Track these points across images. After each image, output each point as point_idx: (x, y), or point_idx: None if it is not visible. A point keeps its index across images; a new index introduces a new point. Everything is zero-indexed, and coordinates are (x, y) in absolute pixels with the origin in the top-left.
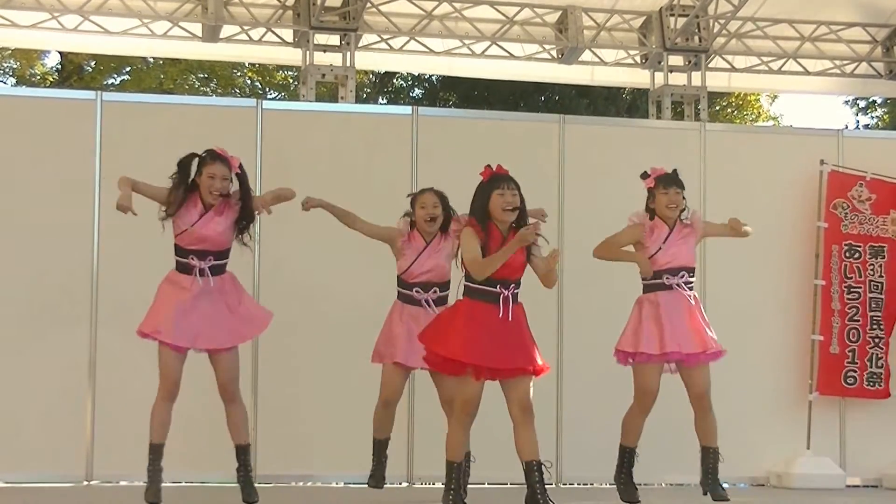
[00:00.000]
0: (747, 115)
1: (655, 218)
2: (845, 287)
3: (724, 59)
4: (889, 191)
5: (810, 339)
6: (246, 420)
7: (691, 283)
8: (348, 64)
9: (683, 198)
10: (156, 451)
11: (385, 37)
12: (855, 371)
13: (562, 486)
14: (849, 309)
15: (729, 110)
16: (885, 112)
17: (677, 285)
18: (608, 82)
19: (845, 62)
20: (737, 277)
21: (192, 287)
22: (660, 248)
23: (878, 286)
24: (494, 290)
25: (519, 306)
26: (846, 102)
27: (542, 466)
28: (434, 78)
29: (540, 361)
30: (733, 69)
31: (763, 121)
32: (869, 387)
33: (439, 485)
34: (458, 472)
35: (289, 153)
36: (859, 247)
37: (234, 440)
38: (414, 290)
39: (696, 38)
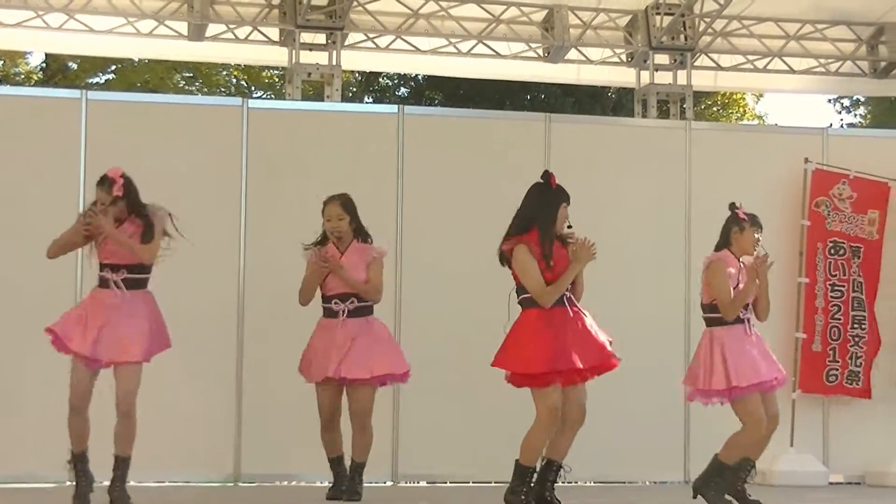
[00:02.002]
0: (733, 113)
1: (726, 252)
2: (829, 285)
3: (709, 57)
4: (870, 189)
5: (794, 337)
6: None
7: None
8: (334, 63)
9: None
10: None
11: (371, 35)
12: (836, 369)
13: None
14: (832, 307)
15: (714, 109)
16: (869, 111)
17: (747, 320)
18: (594, 81)
19: (830, 61)
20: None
21: (109, 300)
22: (738, 284)
23: (859, 285)
24: None
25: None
26: (830, 101)
27: (562, 469)
28: (420, 77)
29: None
30: (719, 68)
31: (748, 119)
32: (848, 384)
33: (424, 483)
34: (531, 477)
35: (274, 152)
36: (843, 244)
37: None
38: (332, 302)
39: (682, 36)
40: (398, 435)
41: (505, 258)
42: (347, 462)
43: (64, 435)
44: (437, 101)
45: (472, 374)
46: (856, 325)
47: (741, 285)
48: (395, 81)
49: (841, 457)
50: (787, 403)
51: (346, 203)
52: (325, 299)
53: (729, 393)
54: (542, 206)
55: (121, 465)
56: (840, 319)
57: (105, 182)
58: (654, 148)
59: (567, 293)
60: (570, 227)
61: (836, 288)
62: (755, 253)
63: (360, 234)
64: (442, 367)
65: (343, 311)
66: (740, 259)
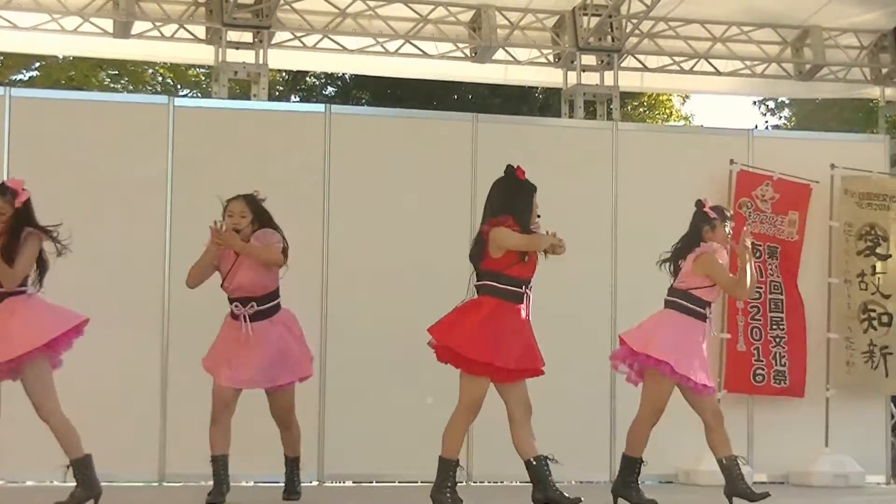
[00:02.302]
0: (659, 114)
1: (710, 244)
2: None
3: (636, 58)
4: (792, 191)
5: (719, 338)
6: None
7: None
8: (261, 61)
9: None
10: None
11: (298, 34)
12: (762, 368)
13: (472, 483)
14: (750, 308)
15: (641, 110)
16: (794, 113)
17: (710, 320)
18: (521, 81)
19: (756, 63)
20: (647, 275)
21: None
22: (714, 283)
23: (777, 286)
24: (520, 290)
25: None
26: (756, 103)
27: (549, 459)
28: (347, 76)
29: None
30: (646, 69)
31: (675, 120)
32: (776, 384)
33: (350, 483)
34: (454, 471)
35: (201, 151)
36: (760, 246)
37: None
38: (234, 305)
39: (609, 37)
40: (324, 435)
41: (480, 242)
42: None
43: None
44: (364, 101)
45: (398, 374)
46: (774, 326)
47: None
48: (322, 81)
49: (765, 457)
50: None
51: (250, 201)
52: (229, 299)
53: (646, 361)
54: (517, 197)
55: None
56: (759, 321)
57: (7, 192)
58: (581, 148)
59: (529, 292)
60: (538, 216)
61: (757, 288)
62: (742, 238)
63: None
64: (368, 366)
65: (244, 317)
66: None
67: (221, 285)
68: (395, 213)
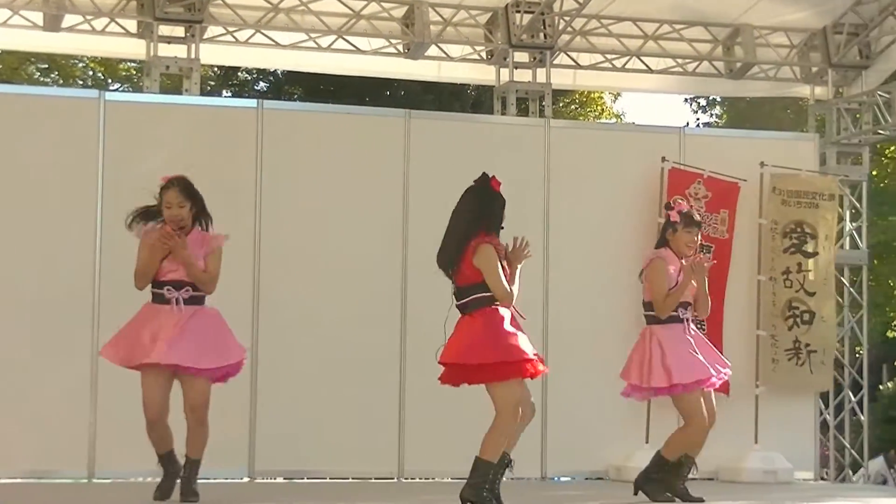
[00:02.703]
0: (591, 112)
1: (667, 250)
2: None
3: (568, 56)
4: (723, 189)
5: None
6: None
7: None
8: (193, 56)
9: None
10: None
11: (231, 29)
12: None
13: (403, 479)
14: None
15: (573, 107)
16: (724, 111)
17: (687, 319)
18: (454, 78)
19: (687, 61)
20: (579, 273)
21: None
22: (676, 283)
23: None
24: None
25: None
26: (687, 101)
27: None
28: (279, 71)
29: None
30: (578, 66)
31: (606, 118)
32: None
33: (281, 479)
34: (494, 473)
35: (133, 146)
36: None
37: None
38: (165, 288)
39: (542, 34)
40: (255, 430)
41: (460, 251)
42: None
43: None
44: (296, 97)
45: (330, 370)
46: (698, 327)
47: (678, 283)
48: (255, 76)
49: None
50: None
51: (185, 188)
52: (157, 284)
53: (670, 390)
54: (491, 209)
55: None
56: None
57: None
58: (514, 145)
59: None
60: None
61: None
62: (694, 253)
63: (202, 219)
64: (299, 362)
65: (176, 300)
66: (682, 258)
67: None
68: (328, 209)
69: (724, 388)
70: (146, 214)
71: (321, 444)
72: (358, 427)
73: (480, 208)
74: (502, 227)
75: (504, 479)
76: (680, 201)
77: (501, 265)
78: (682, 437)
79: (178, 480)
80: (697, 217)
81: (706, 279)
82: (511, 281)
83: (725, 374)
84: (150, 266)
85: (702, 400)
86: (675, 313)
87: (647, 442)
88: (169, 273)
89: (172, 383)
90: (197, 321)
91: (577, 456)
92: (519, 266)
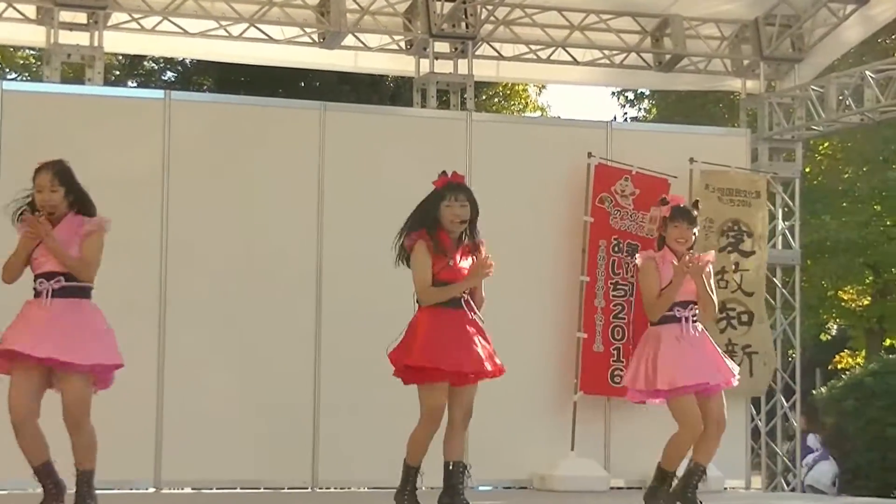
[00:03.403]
0: (515, 105)
1: (664, 248)
2: (611, 283)
3: (491, 46)
4: (652, 186)
5: (576, 337)
6: None
7: (695, 316)
8: (96, 44)
9: (694, 234)
10: None
11: (136, 16)
12: (621, 369)
13: (318, 489)
14: (614, 306)
15: (496, 100)
16: (653, 104)
17: (685, 318)
18: (372, 69)
19: (614, 52)
20: (501, 274)
21: None
22: (670, 283)
23: (631, 288)
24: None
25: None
26: (614, 94)
27: (467, 469)
28: (188, 60)
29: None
30: (501, 57)
31: (531, 111)
32: None
33: (189, 490)
34: (415, 476)
35: (31, 139)
36: (622, 243)
37: None
38: (38, 281)
39: (463, 24)
40: (161, 438)
41: (403, 253)
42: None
43: None
44: (206, 87)
45: (240, 371)
46: (631, 328)
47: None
48: (162, 65)
49: (622, 461)
50: (569, 406)
51: (59, 172)
52: (35, 278)
53: (656, 395)
54: (425, 207)
55: None
56: (624, 319)
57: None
58: (434, 139)
59: (464, 296)
60: (462, 222)
61: (619, 287)
62: (688, 250)
63: (82, 207)
64: (208, 362)
65: (47, 292)
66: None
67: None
68: (238, 206)
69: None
70: (31, 206)
71: (231, 452)
72: (270, 434)
73: (421, 207)
74: (463, 223)
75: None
76: (675, 195)
77: (451, 260)
78: (671, 444)
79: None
80: (693, 211)
81: (707, 279)
82: (450, 287)
83: (727, 377)
84: (17, 256)
85: (694, 403)
86: (670, 313)
87: (572, 449)
88: (42, 265)
89: (45, 384)
90: (70, 314)
91: (499, 464)
92: (473, 282)
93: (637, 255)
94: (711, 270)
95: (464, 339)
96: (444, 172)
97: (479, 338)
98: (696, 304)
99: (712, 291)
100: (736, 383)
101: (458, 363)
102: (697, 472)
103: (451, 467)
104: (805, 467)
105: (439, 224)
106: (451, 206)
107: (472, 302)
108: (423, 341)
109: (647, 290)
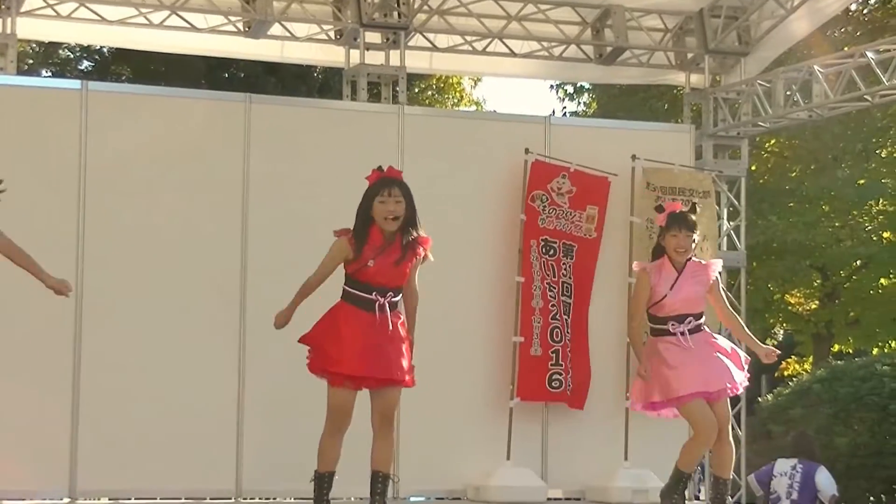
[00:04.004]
0: (449, 98)
1: (664, 257)
2: (547, 284)
3: (425, 37)
4: (590, 184)
5: (512, 341)
6: None
7: (699, 327)
8: (8, 31)
9: (694, 240)
10: None
11: (51, 2)
12: (560, 373)
13: (242, 499)
14: (551, 307)
15: (430, 93)
16: (594, 98)
17: (681, 333)
18: (299, 59)
19: (553, 44)
20: (436, 272)
21: None
22: (665, 296)
23: (568, 288)
24: (369, 296)
25: (397, 315)
26: (553, 87)
27: (390, 480)
28: (106, 49)
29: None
30: (435, 48)
31: (466, 105)
32: (570, 392)
33: (106, 500)
34: (326, 484)
35: None
36: (555, 243)
37: None
38: None
39: (396, 13)
40: (76, 443)
41: None
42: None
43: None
44: (124, 77)
45: (160, 374)
46: (567, 331)
47: (673, 291)
48: (78, 54)
49: (560, 471)
50: (505, 413)
51: None
52: None
53: (660, 405)
54: (360, 204)
55: None
56: (559, 321)
57: None
58: (365, 133)
59: (383, 300)
60: (396, 218)
61: (552, 288)
62: (688, 258)
63: None
64: (126, 365)
65: None
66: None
67: None
68: (158, 201)
69: (579, 402)
70: None
71: (150, 460)
72: (191, 441)
73: (360, 204)
74: (397, 219)
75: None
76: (672, 201)
77: (372, 261)
78: (687, 447)
79: None
80: (691, 216)
81: (717, 289)
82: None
83: (730, 385)
84: None
85: (703, 407)
86: (664, 327)
87: (508, 458)
88: None
89: None
90: None
91: (431, 473)
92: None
93: (634, 264)
94: (720, 279)
95: (362, 341)
96: (379, 167)
97: (392, 346)
98: (695, 316)
99: (725, 303)
100: (741, 389)
101: (366, 368)
102: (682, 479)
103: (372, 478)
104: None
105: (373, 221)
106: (384, 202)
107: (398, 308)
108: (323, 338)
109: (634, 301)
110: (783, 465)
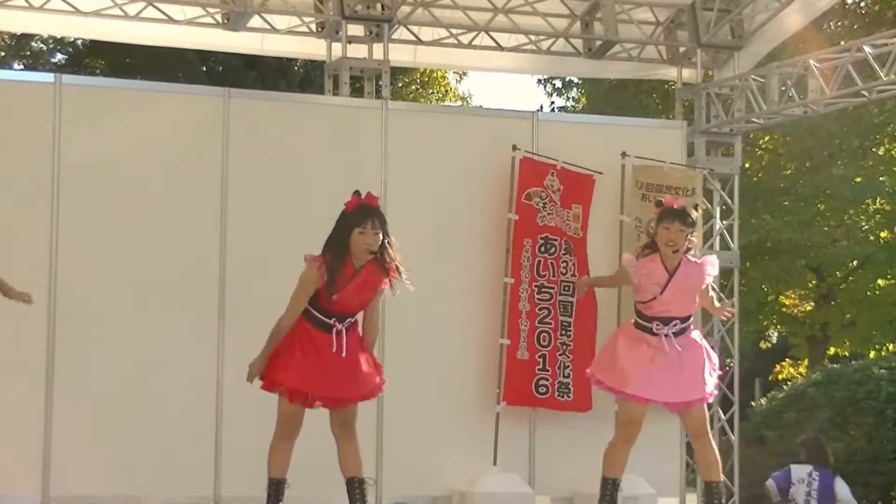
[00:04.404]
0: (433, 93)
1: (655, 255)
2: (536, 286)
3: (408, 30)
4: (576, 182)
5: (499, 343)
6: None
7: (684, 329)
8: None
9: (688, 237)
10: None
11: None
12: (547, 379)
13: None
14: (539, 310)
15: (414, 87)
16: (583, 93)
17: (665, 336)
18: (280, 52)
19: (541, 38)
20: (421, 274)
21: None
22: (655, 297)
23: (569, 287)
24: (328, 321)
25: (354, 330)
26: (541, 82)
27: (365, 483)
28: (80, 41)
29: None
30: (419, 42)
31: (451, 100)
32: (560, 397)
33: None
34: (276, 492)
35: None
36: (555, 241)
37: None
38: None
39: (379, 5)
40: (50, 446)
41: None
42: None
43: None
44: (99, 71)
45: (137, 376)
46: (562, 332)
47: (662, 295)
48: (51, 46)
49: (548, 476)
50: (492, 417)
51: None
52: None
53: (605, 387)
54: (336, 230)
55: None
56: (550, 324)
57: None
58: (347, 129)
59: (341, 326)
60: (373, 252)
61: (543, 290)
62: (675, 251)
63: None
64: (102, 367)
65: None
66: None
67: None
68: (135, 198)
69: (584, 404)
70: None
71: (127, 464)
72: (169, 444)
73: (334, 230)
74: (373, 253)
75: None
76: (670, 196)
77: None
78: (607, 450)
79: None
80: (691, 213)
81: (707, 293)
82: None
83: (697, 398)
84: None
85: (633, 409)
86: (649, 325)
87: (494, 464)
88: None
89: None
90: None
91: (416, 478)
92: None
93: (624, 256)
94: (713, 283)
95: (317, 358)
96: (357, 192)
97: (349, 364)
98: (682, 319)
99: (712, 302)
100: (709, 399)
101: (298, 381)
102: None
103: (348, 485)
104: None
105: (348, 251)
106: (364, 234)
107: (343, 332)
108: (277, 353)
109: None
110: (799, 472)
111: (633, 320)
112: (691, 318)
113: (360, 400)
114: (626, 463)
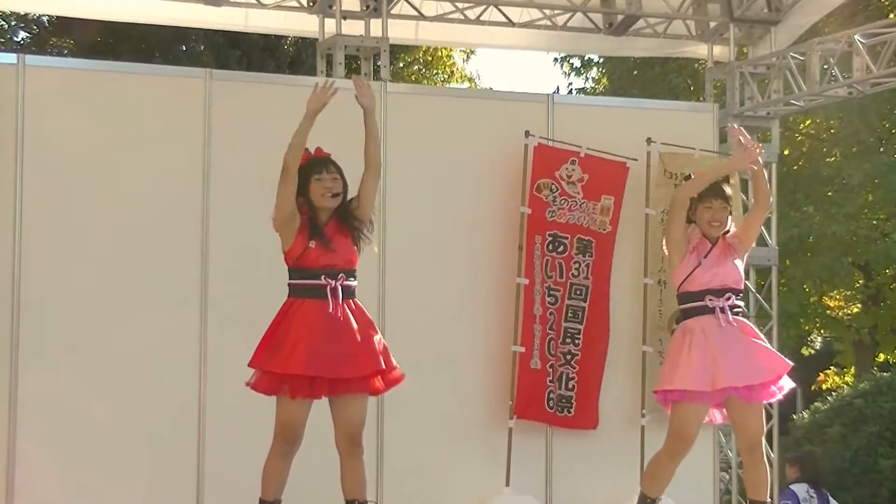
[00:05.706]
0: (438, 74)
1: (697, 231)
2: (546, 288)
3: (409, 3)
4: (605, 171)
5: (511, 351)
6: None
7: (738, 307)
8: None
9: (730, 211)
10: None
11: None
12: (553, 392)
13: None
14: (549, 315)
15: (416, 68)
16: (603, 74)
17: (721, 309)
18: (266, 29)
19: (557, 12)
20: (425, 272)
21: None
22: (699, 264)
23: (580, 290)
24: (319, 281)
25: (356, 307)
26: (557, 61)
27: None
28: (45, 19)
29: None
30: (421, 17)
31: (457, 82)
32: (559, 412)
33: None
34: None
35: None
36: (565, 239)
37: None
38: None
39: None
40: (13, 462)
41: None
42: None
43: None
44: (67, 51)
45: (110, 382)
46: (567, 340)
47: (707, 260)
48: (13, 23)
49: (565, 498)
50: (504, 433)
51: None
52: None
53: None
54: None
55: None
56: (555, 331)
57: None
58: (341, 114)
59: (335, 282)
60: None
61: (552, 292)
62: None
63: None
64: (72, 372)
65: None
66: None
67: None
68: (108, 190)
69: (588, 422)
70: None
71: (103, 486)
72: (148, 466)
73: None
74: (336, 196)
75: None
76: (700, 170)
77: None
78: (651, 464)
79: None
80: (726, 188)
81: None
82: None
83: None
84: None
85: (687, 416)
86: (701, 303)
87: (507, 484)
88: None
89: None
90: None
91: (421, 500)
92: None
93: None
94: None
95: (319, 335)
96: (306, 149)
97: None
98: (734, 292)
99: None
100: (780, 395)
101: (295, 364)
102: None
103: None
104: None
105: (311, 203)
106: (321, 180)
107: (339, 291)
108: (265, 341)
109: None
110: (801, 491)
111: (675, 328)
112: (743, 301)
113: (363, 387)
114: (669, 482)
